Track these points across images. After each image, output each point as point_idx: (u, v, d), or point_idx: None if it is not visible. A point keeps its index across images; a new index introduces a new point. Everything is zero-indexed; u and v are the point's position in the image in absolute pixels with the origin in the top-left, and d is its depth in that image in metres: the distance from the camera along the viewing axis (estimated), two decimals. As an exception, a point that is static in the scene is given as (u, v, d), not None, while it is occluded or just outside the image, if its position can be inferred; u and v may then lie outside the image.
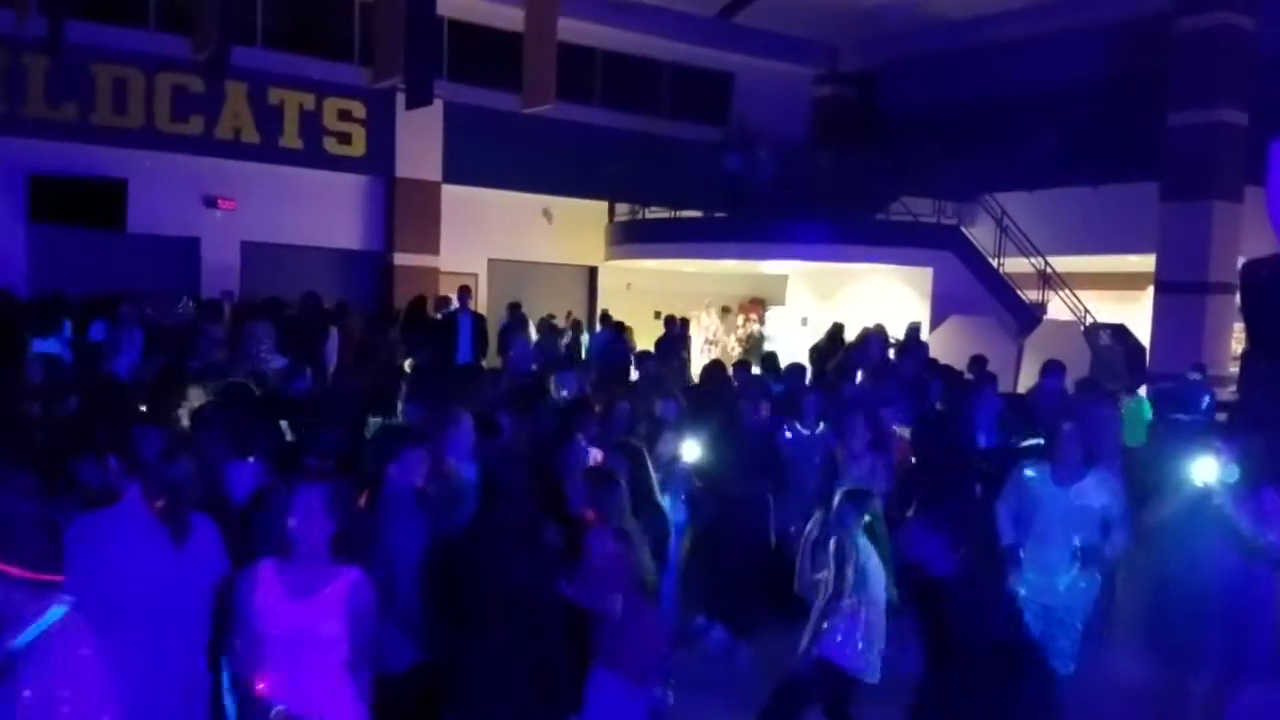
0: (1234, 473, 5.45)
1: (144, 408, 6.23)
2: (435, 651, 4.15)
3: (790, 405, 8.06)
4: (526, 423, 6.70)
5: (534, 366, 11.63)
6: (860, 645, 4.78)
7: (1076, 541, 5.59)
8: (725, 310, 19.11)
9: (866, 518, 4.95)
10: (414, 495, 4.55)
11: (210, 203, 16.57)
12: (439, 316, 14.37)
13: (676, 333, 15.49)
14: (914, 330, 14.48)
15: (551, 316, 16.76)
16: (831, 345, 14.31)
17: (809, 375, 10.83)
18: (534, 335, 15.06)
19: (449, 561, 4.03)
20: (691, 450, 5.95)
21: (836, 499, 5.02)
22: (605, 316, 15.66)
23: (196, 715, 3.73)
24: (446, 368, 10.89)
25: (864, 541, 4.87)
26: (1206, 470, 5.48)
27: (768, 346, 19.21)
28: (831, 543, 5.01)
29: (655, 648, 4.56)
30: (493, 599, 3.90)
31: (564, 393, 7.94)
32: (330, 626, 3.31)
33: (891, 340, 13.76)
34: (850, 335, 14.32)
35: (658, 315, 16.94)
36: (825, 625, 4.85)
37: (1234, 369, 15.68)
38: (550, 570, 4.17)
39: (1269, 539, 5.23)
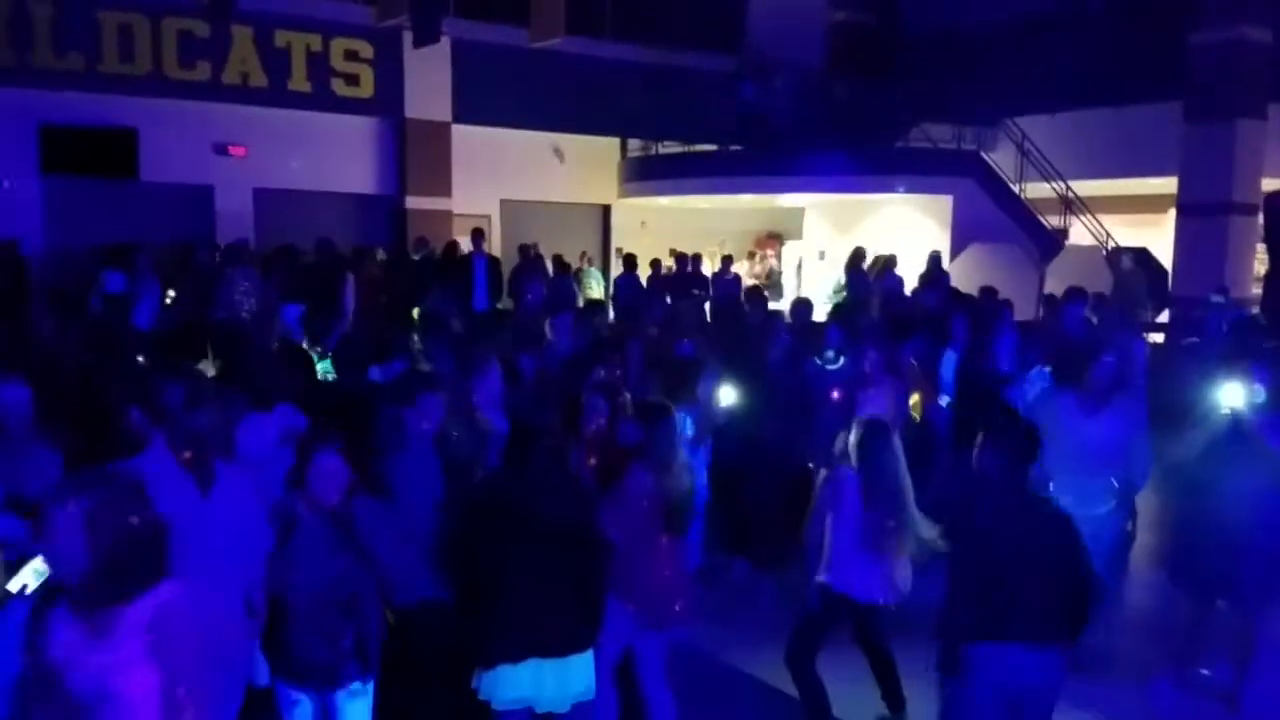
0: (1260, 395, 5.38)
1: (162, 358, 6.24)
2: (464, 593, 4.20)
3: (810, 340, 8.01)
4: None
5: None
6: (864, 570, 4.77)
7: (1095, 487, 5.55)
8: (722, 245, 18.89)
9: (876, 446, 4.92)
10: (430, 439, 4.63)
11: (221, 150, 16.48)
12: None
13: (689, 270, 15.39)
14: (935, 260, 14.31)
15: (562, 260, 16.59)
16: (855, 270, 14.23)
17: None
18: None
19: (490, 503, 4.06)
20: (728, 395, 5.91)
21: (853, 430, 4.99)
22: (630, 260, 15.35)
23: (242, 660, 3.81)
24: (464, 312, 10.86)
25: (876, 467, 4.82)
26: (1233, 395, 5.41)
27: (785, 281, 19.19)
28: (835, 473, 5.00)
29: (672, 588, 4.55)
30: (536, 537, 3.92)
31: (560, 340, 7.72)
32: None
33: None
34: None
35: (673, 253, 16.84)
36: (828, 553, 4.87)
37: (1257, 290, 15.54)
38: (589, 506, 4.19)
39: None
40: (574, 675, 3.98)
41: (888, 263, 14.33)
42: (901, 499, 4.80)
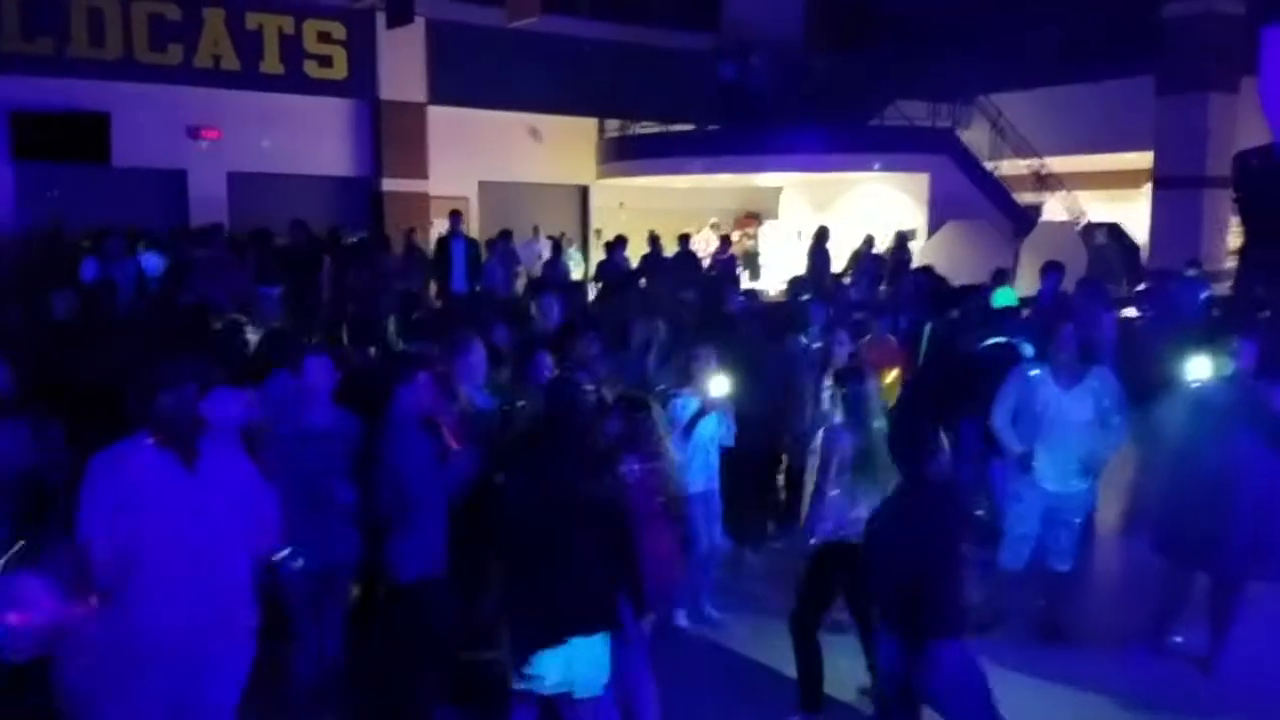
0: (1228, 366, 5.46)
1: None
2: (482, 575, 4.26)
3: (792, 319, 8.06)
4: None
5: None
6: (849, 517, 4.85)
7: (1072, 461, 5.63)
8: (714, 226, 18.96)
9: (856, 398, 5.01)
10: (420, 418, 4.65)
11: (194, 133, 16.34)
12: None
13: (661, 250, 15.36)
14: (901, 238, 14.68)
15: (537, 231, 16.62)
16: (819, 249, 14.40)
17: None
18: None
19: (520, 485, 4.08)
20: (720, 386, 5.95)
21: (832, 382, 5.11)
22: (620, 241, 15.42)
23: (240, 634, 3.82)
24: (443, 294, 10.85)
25: (858, 425, 4.90)
26: (1201, 368, 5.50)
27: (763, 260, 19.23)
28: (819, 435, 5.10)
29: (664, 575, 4.60)
30: (570, 517, 3.95)
31: (549, 319, 7.76)
32: None
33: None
34: (841, 242, 14.44)
35: (652, 234, 16.82)
36: (814, 513, 4.95)
37: (1231, 263, 15.68)
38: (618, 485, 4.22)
39: None
40: (589, 659, 3.95)
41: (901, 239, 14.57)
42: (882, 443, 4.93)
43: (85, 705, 3.57)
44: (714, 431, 6.04)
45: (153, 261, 10.94)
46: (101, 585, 3.52)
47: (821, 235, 14.74)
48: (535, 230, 17.24)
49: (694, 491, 5.91)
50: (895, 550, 3.85)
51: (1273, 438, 5.27)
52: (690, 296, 9.57)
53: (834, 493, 4.90)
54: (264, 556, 3.98)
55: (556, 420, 4.03)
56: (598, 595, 3.95)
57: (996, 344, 6.94)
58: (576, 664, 3.93)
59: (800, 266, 14.92)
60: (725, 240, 16.39)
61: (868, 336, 7.70)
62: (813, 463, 5.26)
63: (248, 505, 3.77)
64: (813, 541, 4.98)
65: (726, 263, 15.13)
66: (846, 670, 5.15)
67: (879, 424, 5.05)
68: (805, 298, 9.07)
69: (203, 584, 3.60)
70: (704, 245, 17.57)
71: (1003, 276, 10.60)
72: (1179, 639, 5.71)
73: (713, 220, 19.16)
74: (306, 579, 4.46)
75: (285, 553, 4.17)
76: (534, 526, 3.93)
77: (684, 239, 15.43)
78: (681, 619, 6.12)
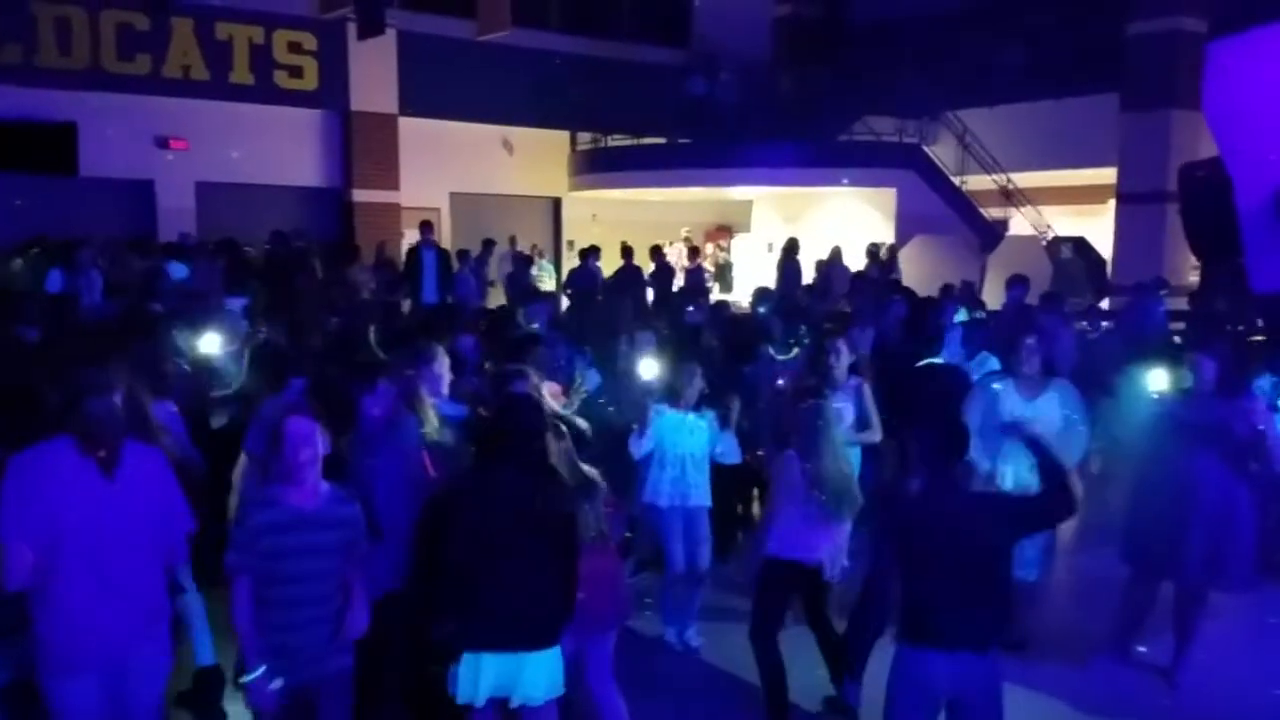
0: (1187, 379, 5.56)
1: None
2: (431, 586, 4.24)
3: (758, 331, 8.12)
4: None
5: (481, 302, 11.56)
6: (800, 538, 4.89)
7: (1034, 473, 5.68)
8: (687, 239, 19.09)
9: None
10: (388, 426, 4.66)
11: (162, 143, 16.22)
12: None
13: (634, 264, 15.46)
14: (872, 251, 14.85)
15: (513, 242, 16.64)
16: (789, 261, 14.54)
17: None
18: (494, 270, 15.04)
19: (466, 494, 4.06)
20: (649, 369, 5.96)
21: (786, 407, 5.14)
22: (593, 250, 15.55)
23: (159, 639, 3.85)
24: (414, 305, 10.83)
25: (810, 448, 4.93)
26: (1159, 380, 5.61)
27: (735, 272, 19.34)
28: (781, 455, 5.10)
29: (614, 588, 4.59)
30: (516, 529, 3.93)
31: (535, 325, 7.88)
32: None
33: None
34: (811, 254, 14.56)
35: (624, 246, 16.90)
36: (761, 533, 5.01)
37: (1194, 278, 15.89)
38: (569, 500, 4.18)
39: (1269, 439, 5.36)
40: (545, 669, 3.94)
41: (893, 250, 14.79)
42: (838, 466, 4.97)
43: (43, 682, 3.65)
44: (697, 447, 5.92)
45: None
46: (19, 584, 3.53)
47: (791, 248, 14.87)
48: (512, 241, 17.26)
49: (661, 505, 5.92)
50: (968, 555, 3.72)
51: (1230, 452, 5.38)
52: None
53: (783, 514, 4.92)
54: (172, 565, 3.99)
55: (505, 432, 4.03)
56: (540, 608, 3.93)
57: (932, 364, 7.08)
58: (520, 675, 3.90)
59: (771, 278, 15.06)
60: (694, 252, 16.50)
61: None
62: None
63: (163, 512, 3.81)
64: (765, 558, 4.99)
65: (694, 274, 15.24)
66: (813, 680, 5.20)
67: (837, 445, 5.08)
68: (763, 310, 9.14)
69: (121, 588, 3.64)
70: (677, 257, 17.69)
71: (949, 291, 10.69)
72: (1143, 649, 5.80)
73: (685, 232, 19.27)
74: (284, 699, 3.86)
75: (258, 672, 3.73)
76: (481, 537, 3.91)
77: (656, 251, 15.54)
78: (670, 635, 6.12)
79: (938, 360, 7.21)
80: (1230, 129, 8.11)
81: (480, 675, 3.89)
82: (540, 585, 3.91)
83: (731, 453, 6.07)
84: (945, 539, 3.74)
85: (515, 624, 3.90)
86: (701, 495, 5.95)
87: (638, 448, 5.81)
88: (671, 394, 5.95)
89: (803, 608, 5.25)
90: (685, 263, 16.62)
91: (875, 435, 6.42)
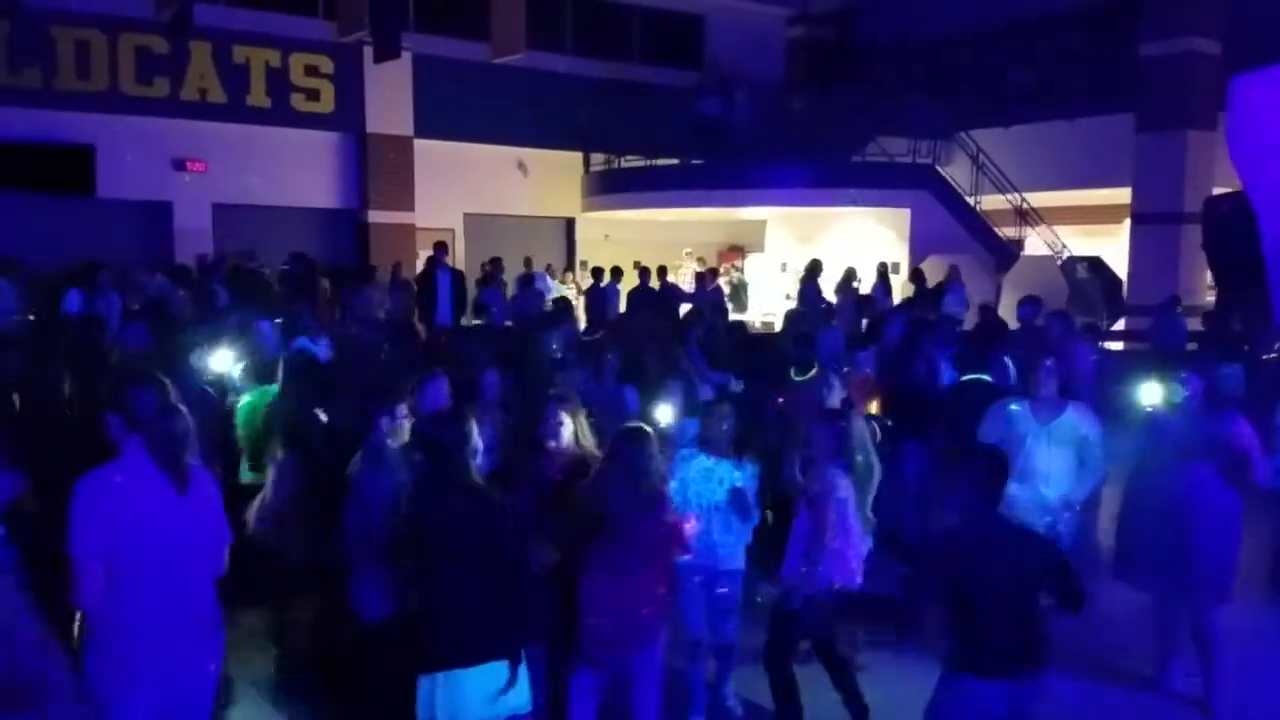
0: (1179, 393, 5.54)
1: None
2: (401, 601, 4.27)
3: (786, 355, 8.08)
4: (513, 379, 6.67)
5: (509, 322, 11.47)
6: (840, 558, 4.84)
7: (1051, 496, 5.65)
8: (689, 255, 19.08)
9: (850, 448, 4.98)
10: (396, 449, 4.68)
11: (180, 166, 16.37)
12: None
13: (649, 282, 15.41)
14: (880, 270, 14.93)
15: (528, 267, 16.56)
16: (811, 283, 14.50)
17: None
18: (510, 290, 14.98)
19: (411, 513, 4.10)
20: (666, 415, 5.75)
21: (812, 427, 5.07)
22: (615, 270, 15.59)
23: (214, 648, 3.93)
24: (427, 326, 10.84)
25: (831, 471, 4.89)
26: (1151, 394, 5.61)
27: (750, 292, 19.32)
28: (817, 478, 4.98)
29: (642, 601, 4.54)
30: (449, 549, 3.94)
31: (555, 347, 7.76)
32: None
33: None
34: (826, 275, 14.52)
35: (637, 265, 16.90)
36: (804, 551, 4.90)
37: (1210, 298, 15.84)
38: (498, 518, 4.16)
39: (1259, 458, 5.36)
40: (490, 684, 3.89)
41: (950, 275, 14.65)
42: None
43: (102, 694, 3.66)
44: (717, 495, 5.02)
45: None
46: (91, 603, 3.57)
47: (814, 269, 14.79)
48: (528, 263, 17.06)
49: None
50: (1022, 584, 3.81)
51: (1221, 466, 5.37)
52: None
53: (829, 535, 4.82)
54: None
55: (440, 447, 4.05)
56: (475, 625, 3.90)
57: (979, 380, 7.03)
58: (456, 694, 3.87)
59: (785, 298, 15.07)
60: (712, 273, 16.40)
61: (846, 369, 7.72)
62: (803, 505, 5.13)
63: (217, 533, 3.93)
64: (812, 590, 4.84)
65: (713, 294, 15.15)
66: (827, 708, 5.14)
67: (861, 462, 5.05)
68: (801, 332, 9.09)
69: (186, 601, 3.73)
70: (686, 277, 17.65)
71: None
72: (1171, 674, 5.72)
73: (687, 250, 19.25)
74: None
75: None
76: (428, 550, 3.94)
77: (663, 272, 15.52)
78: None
79: (983, 377, 7.12)
80: (1255, 164, 8.12)
81: (425, 694, 3.91)
82: (483, 602, 3.89)
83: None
84: (1006, 569, 3.81)
85: (459, 641, 3.89)
86: (732, 557, 5.10)
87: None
88: (703, 440, 5.17)
89: (813, 641, 5.17)
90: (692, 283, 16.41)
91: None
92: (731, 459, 5.05)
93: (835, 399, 6.18)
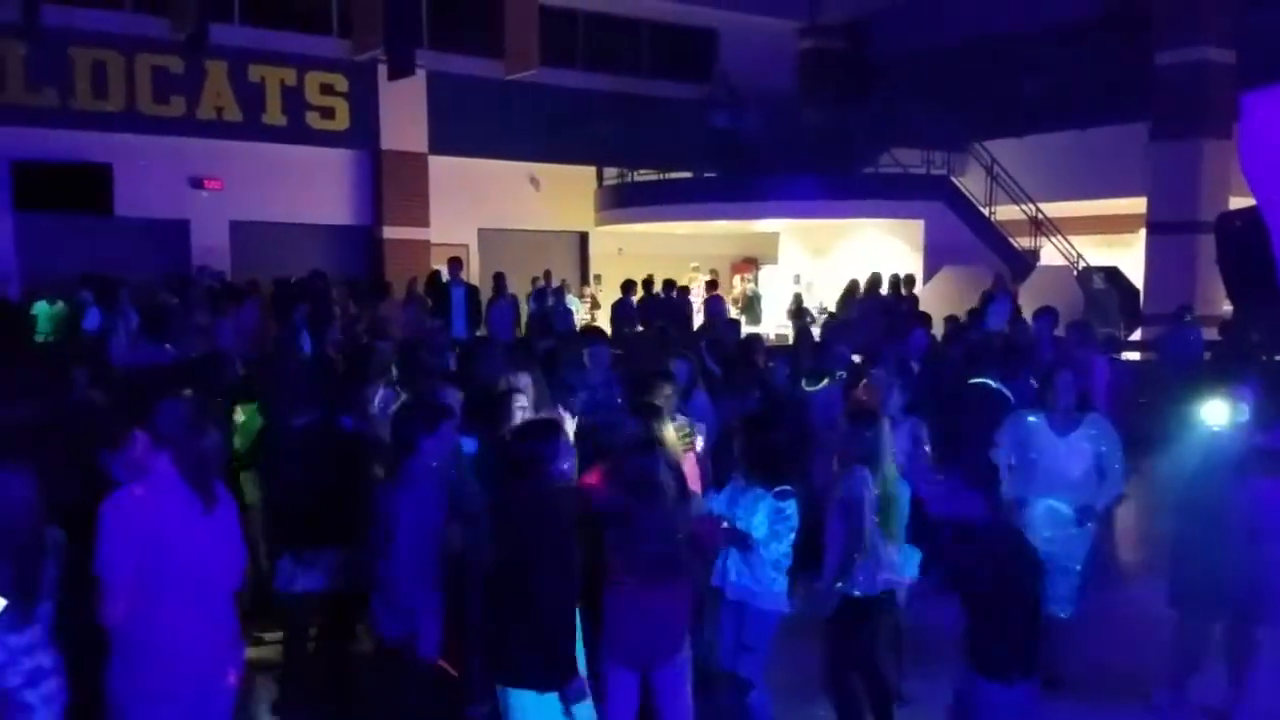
0: (1244, 412, 5.43)
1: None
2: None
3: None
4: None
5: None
6: (888, 558, 4.83)
7: (1067, 508, 5.63)
8: (696, 269, 19.06)
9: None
10: (436, 470, 4.51)
11: (197, 184, 16.49)
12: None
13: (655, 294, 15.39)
14: (875, 280, 15.18)
15: (536, 280, 16.55)
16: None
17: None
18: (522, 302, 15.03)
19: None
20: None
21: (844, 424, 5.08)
22: (632, 284, 15.54)
23: (236, 662, 3.97)
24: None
25: (862, 473, 4.86)
26: (1217, 413, 5.47)
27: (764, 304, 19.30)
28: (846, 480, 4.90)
29: (671, 616, 4.49)
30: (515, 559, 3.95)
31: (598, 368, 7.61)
32: None
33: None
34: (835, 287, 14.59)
35: (649, 279, 16.90)
36: (846, 558, 4.81)
37: (1227, 307, 15.73)
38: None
39: None
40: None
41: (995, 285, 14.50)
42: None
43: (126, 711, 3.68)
44: (758, 529, 4.64)
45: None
46: (115, 620, 3.59)
47: (852, 290, 14.93)
48: (546, 276, 16.85)
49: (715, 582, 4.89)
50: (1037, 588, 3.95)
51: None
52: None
53: (876, 542, 4.79)
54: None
55: (529, 462, 4.07)
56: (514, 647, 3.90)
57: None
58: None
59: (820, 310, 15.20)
60: (711, 285, 16.37)
61: (863, 380, 7.70)
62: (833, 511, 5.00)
63: (237, 550, 3.96)
64: (856, 594, 4.79)
65: (717, 302, 15.10)
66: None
67: (890, 469, 5.02)
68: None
69: (213, 617, 3.77)
70: (696, 290, 17.61)
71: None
72: (1187, 691, 5.65)
73: (694, 265, 19.24)
74: None
75: None
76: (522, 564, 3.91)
77: (669, 285, 15.53)
78: None
79: (988, 381, 7.10)
80: (1269, 180, 8.06)
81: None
82: (521, 622, 3.88)
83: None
84: (1026, 572, 3.91)
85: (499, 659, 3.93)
86: (769, 595, 4.69)
87: None
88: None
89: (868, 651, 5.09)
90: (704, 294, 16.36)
91: None
92: (772, 487, 4.65)
93: (894, 405, 6.22)
